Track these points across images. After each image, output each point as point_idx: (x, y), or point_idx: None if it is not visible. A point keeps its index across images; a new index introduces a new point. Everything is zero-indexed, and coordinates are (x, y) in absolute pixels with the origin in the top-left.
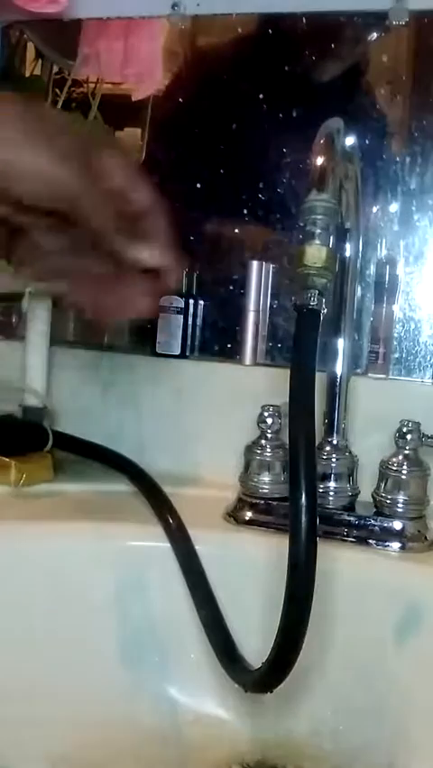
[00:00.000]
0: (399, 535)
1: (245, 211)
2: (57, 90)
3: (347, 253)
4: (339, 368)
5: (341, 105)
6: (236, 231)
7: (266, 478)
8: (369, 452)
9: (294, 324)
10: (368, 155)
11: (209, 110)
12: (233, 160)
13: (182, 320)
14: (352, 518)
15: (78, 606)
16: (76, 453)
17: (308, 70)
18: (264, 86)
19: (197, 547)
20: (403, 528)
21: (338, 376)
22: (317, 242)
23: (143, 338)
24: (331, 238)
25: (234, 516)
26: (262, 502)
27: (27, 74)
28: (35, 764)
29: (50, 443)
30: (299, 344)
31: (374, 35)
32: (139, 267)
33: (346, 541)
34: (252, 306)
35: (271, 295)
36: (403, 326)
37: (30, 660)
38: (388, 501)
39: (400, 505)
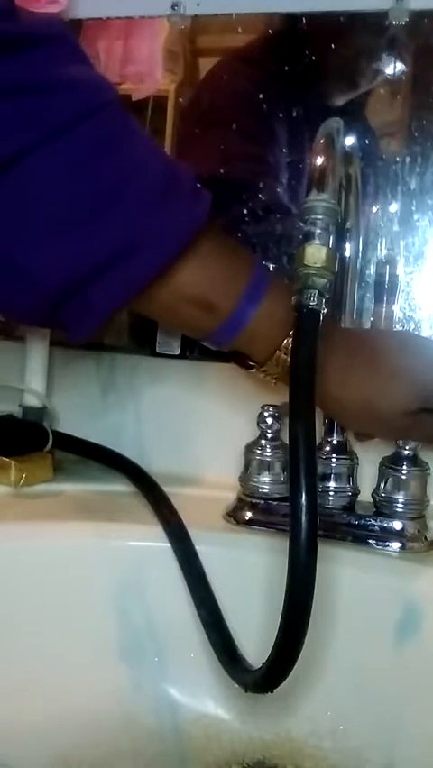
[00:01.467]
0: (399, 535)
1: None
2: None
3: (347, 253)
4: None
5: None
6: (237, 231)
7: (266, 478)
8: (369, 452)
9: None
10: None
11: None
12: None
13: None
14: (352, 518)
15: (77, 606)
16: (76, 453)
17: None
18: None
19: (197, 547)
20: (403, 528)
21: None
22: (318, 242)
23: (143, 338)
24: (331, 238)
25: (234, 516)
26: (262, 502)
27: None
28: (35, 764)
29: (50, 443)
30: (299, 344)
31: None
32: None
33: (346, 541)
34: None
35: None
36: (403, 326)
37: (30, 659)
38: (388, 501)
39: (400, 505)
